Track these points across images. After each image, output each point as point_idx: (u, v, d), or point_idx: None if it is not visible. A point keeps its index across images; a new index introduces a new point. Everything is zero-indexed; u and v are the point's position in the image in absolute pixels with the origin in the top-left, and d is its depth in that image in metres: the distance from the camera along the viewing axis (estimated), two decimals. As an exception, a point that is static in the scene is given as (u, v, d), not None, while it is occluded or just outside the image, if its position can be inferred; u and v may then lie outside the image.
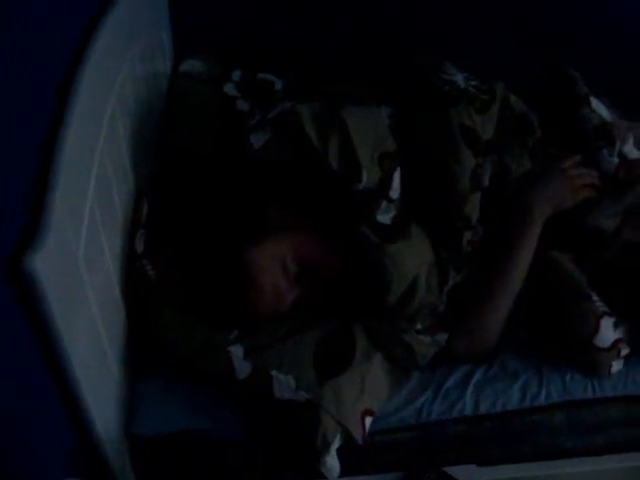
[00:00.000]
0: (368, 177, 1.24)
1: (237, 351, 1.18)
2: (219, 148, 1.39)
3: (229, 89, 1.57)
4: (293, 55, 1.69)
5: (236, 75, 1.61)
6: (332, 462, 1.12)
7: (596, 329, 1.27)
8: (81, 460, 1.11)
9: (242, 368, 1.16)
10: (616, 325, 1.29)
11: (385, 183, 1.26)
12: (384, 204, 1.25)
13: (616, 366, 1.30)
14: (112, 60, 1.27)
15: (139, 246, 1.28)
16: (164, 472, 1.25)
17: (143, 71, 1.50)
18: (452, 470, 1.01)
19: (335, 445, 1.13)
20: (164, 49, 1.71)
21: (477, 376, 1.30)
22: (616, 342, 1.28)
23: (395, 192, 1.27)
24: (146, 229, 1.30)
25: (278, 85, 1.62)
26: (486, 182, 1.33)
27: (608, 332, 1.28)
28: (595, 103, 1.47)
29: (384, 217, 1.25)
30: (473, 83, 1.37)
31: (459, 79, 1.36)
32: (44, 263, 0.87)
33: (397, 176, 1.27)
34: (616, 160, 1.42)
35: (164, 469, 1.25)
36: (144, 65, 1.51)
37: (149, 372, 1.26)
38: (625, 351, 1.30)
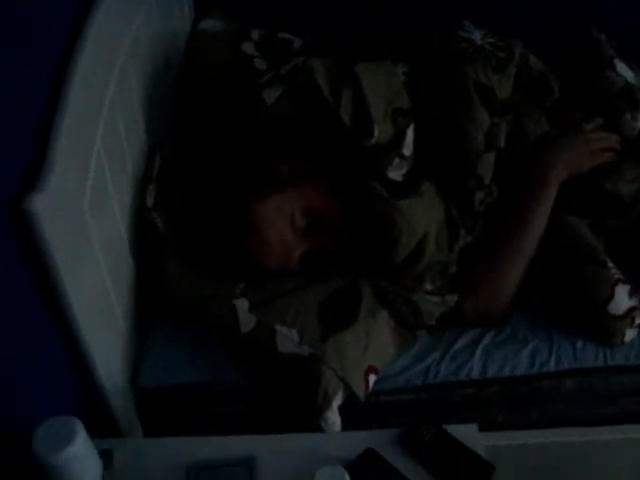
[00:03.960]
0: (380, 132, 1.22)
1: (242, 304, 1.17)
2: (234, 105, 1.38)
3: (247, 48, 1.55)
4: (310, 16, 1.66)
5: (255, 34, 1.59)
6: (333, 417, 1.12)
7: (610, 296, 1.24)
8: (88, 411, 1.12)
9: (246, 321, 1.16)
10: (631, 293, 1.26)
11: (398, 139, 1.24)
12: (396, 160, 1.23)
13: (630, 335, 1.27)
14: (124, 9, 1.26)
15: (150, 200, 1.27)
16: (169, 423, 1.26)
17: (160, 27, 1.49)
18: (452, 429, 1.00)
19: (337, 401, 1.13)
20: (183, 6, 1.70)
21: (486, 340, 1.28)
22: (630, 310, 1.25)
23: (408, 149, 1.25)
24: (157, 183, 1.30)
25: (297, 44, 1.60)
26: (502, 143, 1.30)
27: (623, 299, 1.25)
28: (620, 66, 1.43)
29: (395, 173, 1.23)
30: (491, 40, 1.34)
31: (476, 36, 1.33)
32: (45, 204, 0.87)
33: (410, 133, 1.25)
34: (639, 125, 1.38)
35: (169, 420, 1.26)
36: (161, 21, 1.50)
37: (155, 325, 1.27)
38: (639, 320, 1.27)
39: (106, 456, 0.94)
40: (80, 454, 0.75)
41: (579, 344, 1.28)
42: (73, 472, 0.75)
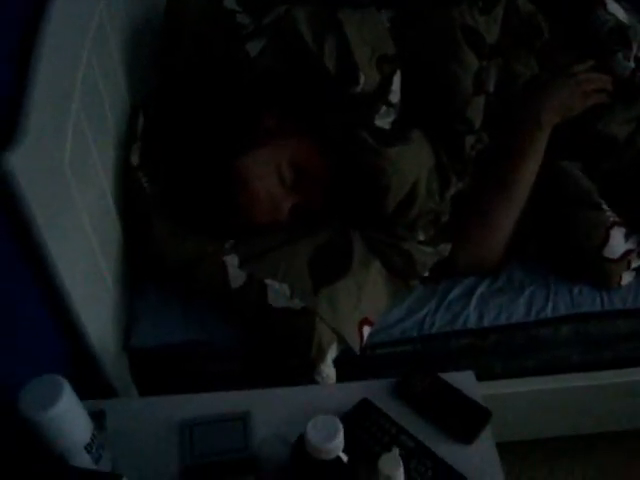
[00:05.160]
0: (366, 80, 1.19)
1: (232, 260, 1.16)
2: (218, 61, 1.34)
3: (229, 3, 1.51)
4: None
5: (237, -11, 1.55)
6: (327, 371, 1.11)
7: (606, 239, 1.22)
8: (81, 377, 1.10)
9: (236, 277, 1.14)
10: (628, 236, 1.24)
11: (384, 87, 1.21)
12: (383, 108, 1.21)
13: (626, 278, 1.26)
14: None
15: (134, 159, 1.25)
16: (164, 384, 1.25)
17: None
18: (448, 376, 0.99)
19: (331, 354, 1.11)
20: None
21: (482, 288, 1.26)
22: (627, 253, 1.23)
23: (395, 96, 1.22)
24: (142, 142, 1.27)
25: (281, -4, 1.56)
26: (491, 87, 1.27)
27: (618, 243, 1.23)
28: (611, 5, 1.39)
29: (383, 121, 1.21)
30: (476, -18, 1.30)
31: (462, -22, 1.30)
32: (21, 163, 0.85)
33: (397, 80, 1.22)
34: (632, 64, 1.35)
35: (164, 381, 1.25)
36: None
37: (146, 286, 1.25)
38: (636, 263, 1.25)
39: (99, 417, 0.93)
40: (67, 412, 0.74)
41: (576, 289, 1.27)
42: (61, 431, 0.74)
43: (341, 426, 0.75)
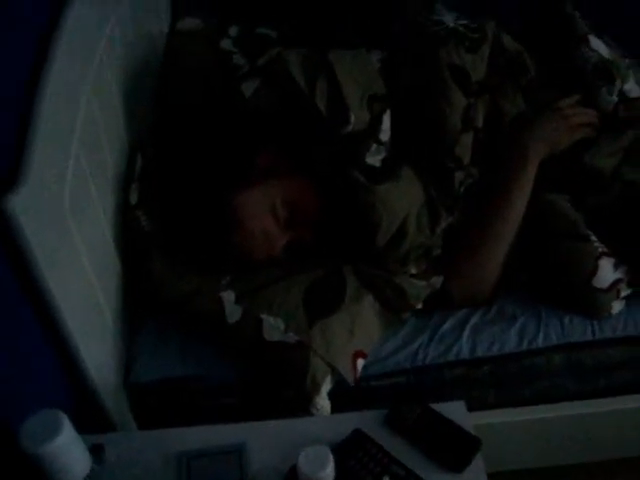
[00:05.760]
0: (357, 119, 1.23)
1: (229, 296, 1.18)
2: (215, 101, 1.39)
3: (226, 44, 1.55)
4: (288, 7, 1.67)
5: (233, 31, 1.59)
6: (323, 403, 1.13)
7: (594, 270, 1.25)
8: (80, 411, 1.13)
9: (233, 312, 1.17)
10: (616, 265, 1.27)
11: (374, 125, 1.25)
12: (374, 147, 1.24)
13: (617, 307, 1.28)
14: (95, 15, 1.26)
15: (133, 198, 1.28)
16: (163, 418, 1.27)
17: (135, 28, 1.49)
18: (439, 406, 1.01)
19: (326, 386, 1.13)
20: (159, 8, 1.70)
21: (474, 319, 1.29)
22: (616, 282, 1.26)
23: (385, 134, 1.26)
24: (140, 182, 1.30)
25: (274, 37, 1.61)
26: (479, 123, 1.30)
27: (607, 272, 1.25)
28: (594, 41, 1.44)
29: (373, 159, 1.24)
30: (463, 22, 1.35)
31: (448, 19, 1.34)
32: (23, 204, 0.88)
33: (387, 118, 1.26)
34: (616, 99, 1.39)
35: (162, 414, 1.27)
36: (137, 22, 1.51)
37: (145, 322, 1.28)
38: (625, 292, 1.28)
39: (98, 450, 0.95)
40: (66, 446, 0.76)
41: (567, 319, 1.29)
42: (60, 465, 0.76)
43: (331, 456, 0.77)
